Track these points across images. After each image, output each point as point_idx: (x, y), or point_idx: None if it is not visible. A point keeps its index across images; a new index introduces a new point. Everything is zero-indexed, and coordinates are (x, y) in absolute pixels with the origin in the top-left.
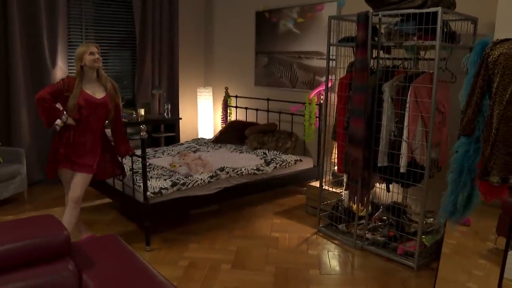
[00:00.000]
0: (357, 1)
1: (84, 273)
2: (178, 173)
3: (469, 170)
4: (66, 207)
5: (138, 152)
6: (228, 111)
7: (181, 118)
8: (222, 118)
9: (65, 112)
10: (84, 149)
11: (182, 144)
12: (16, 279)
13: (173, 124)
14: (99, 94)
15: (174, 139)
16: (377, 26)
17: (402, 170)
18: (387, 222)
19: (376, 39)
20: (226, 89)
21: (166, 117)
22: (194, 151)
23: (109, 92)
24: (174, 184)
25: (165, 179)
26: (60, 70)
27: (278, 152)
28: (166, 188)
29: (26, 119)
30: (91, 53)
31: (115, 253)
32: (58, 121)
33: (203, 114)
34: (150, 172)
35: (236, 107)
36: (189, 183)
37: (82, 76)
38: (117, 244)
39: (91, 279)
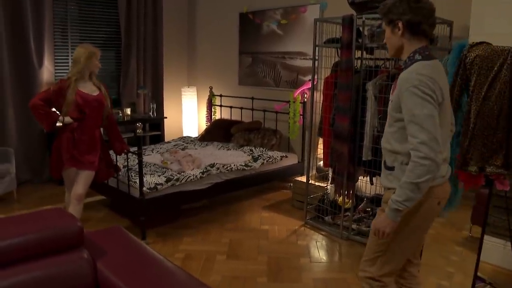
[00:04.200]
0: (338, 3)
1: (98, 262)
2: (171, 170)
3: (454, 162)
4: (70, 205)
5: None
6: (213, 110)
7: (166, 117)
8: (206, 117)
9: (60, 114)
10: (85, 146)
11: (169, 142)
12: (35, 268)
13: (158, 123)
14: (93, 92)
15: (159, 138)
16: (361, 28)
17: None
18: (371, 213)
19: (360, 40)
20: (211, 88)
21: (152, 116)
22: (183, 149)
23: (102, 92)
24: (168, 180)
25: (159, 175)
26: (47, 70)
27: (264, 149)
28: (161, 184)
29: (13, 119)
30: (97, 58)
31: (123, 243)
32: (58, 123)
33: (187, 113)
34: (144, 168)
35: (221, 106)
36: (182, 179)
37: (81, 75)
38: (124, 235)
39: (106, 267)
